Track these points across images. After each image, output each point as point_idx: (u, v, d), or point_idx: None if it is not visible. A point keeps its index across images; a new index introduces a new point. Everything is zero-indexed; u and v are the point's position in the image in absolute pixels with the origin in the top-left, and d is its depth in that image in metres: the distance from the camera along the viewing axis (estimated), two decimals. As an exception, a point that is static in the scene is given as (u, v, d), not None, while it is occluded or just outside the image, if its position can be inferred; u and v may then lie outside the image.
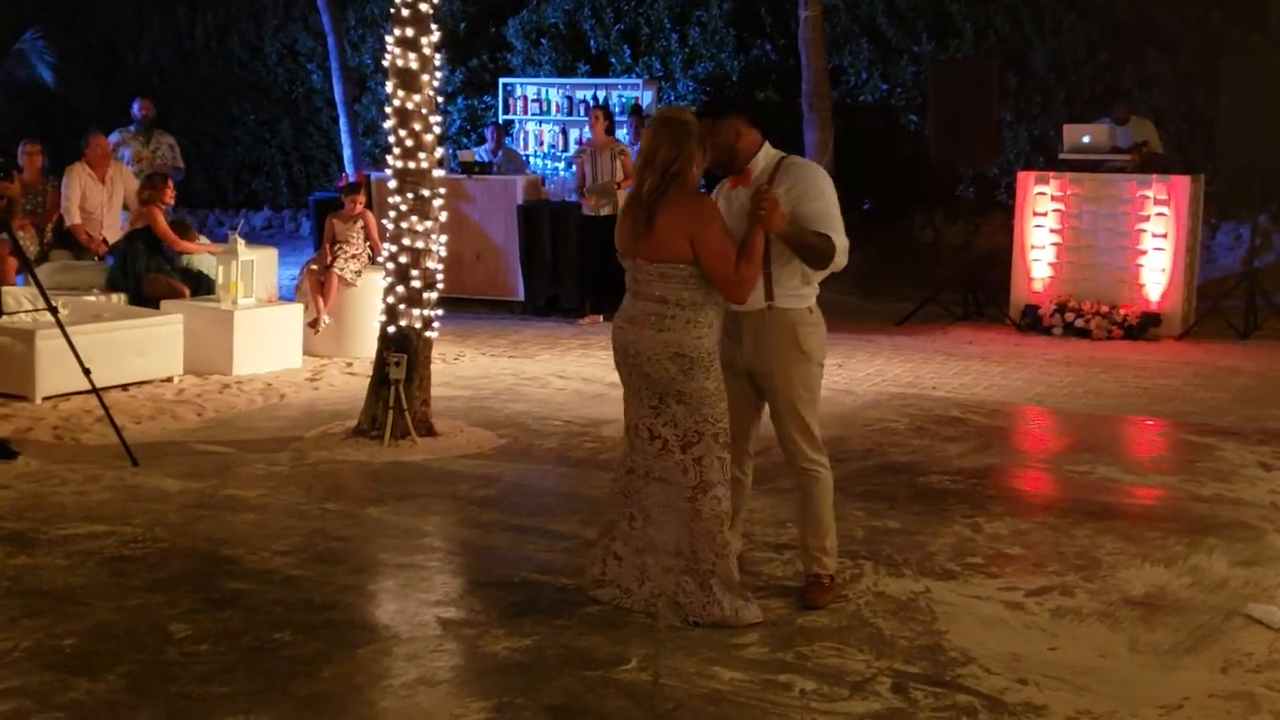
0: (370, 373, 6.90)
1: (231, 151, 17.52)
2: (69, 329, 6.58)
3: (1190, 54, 12.10)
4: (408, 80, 6.65)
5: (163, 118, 12.32)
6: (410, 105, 6.64)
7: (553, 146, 14.19)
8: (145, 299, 8.78)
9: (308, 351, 8.90)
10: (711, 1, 14.24)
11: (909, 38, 13.46)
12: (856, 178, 13.09)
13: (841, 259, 4.37)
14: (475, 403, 7.66)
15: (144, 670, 3.88)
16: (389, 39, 6.69)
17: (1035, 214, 10.64)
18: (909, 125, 13.58)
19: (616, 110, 12.54)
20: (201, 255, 9.26)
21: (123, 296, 8.85)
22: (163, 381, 8.00)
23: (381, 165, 9.61)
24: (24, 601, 4.41)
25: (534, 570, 4.80)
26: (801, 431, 4.46)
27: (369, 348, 7.61)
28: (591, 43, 14.87)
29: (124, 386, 7.75)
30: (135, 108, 11.26)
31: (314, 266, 9.26)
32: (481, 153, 12.35)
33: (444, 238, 6.92)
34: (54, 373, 7.30)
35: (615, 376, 4.54)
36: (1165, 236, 10.16)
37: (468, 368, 8.81)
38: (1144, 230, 10.23)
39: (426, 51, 6.66)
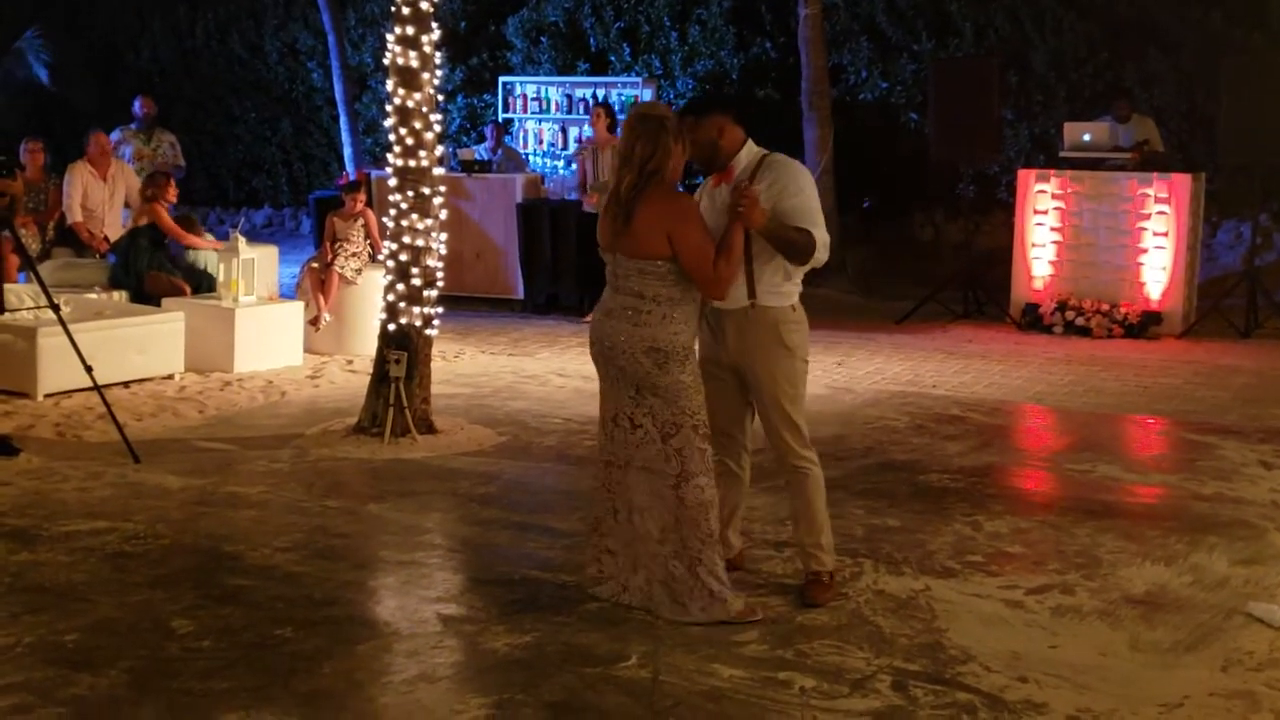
0: (371, 370, 6.91)
1: (232, 150, 17.53)
2: (71, 326, 6.58)
3: (1191, 53, 12.10)
4: (408, 78, 6.65)
5: (164, 116, 12.34)
6: (410, 103, 6.65)
7: (552, 145, 14.20)
8: (146, 297, 8.79)
9: (308, 349, 8.90)
10: (711, -1, 14.26)
11: (909, 36, 13.46)
12: (856, 176, 13.11)
13: (823, 254, 4.39)
14: (475, 400, 7.66)
15: (145, 666, 3.89)
16: (389, 37, 6.70)
17: (1036, 212, 10.64)
18: (909, 123, 13.58)
19: (617, 108, 12.54)
20: (204, 252, 9.26)
21: (124, 294, 8.86)
22: (164, 379, 8.01)
23: (382, 163, 9.62)
24: (26, 597, 4.42)
25: (534, 567, 4.80)
26: (788, 428, 4.47)
27: (369, 345, 7.62)
28: (591, 41, 14.87)
29: (125, 384, 7.76)
30: (136, 106, 11.28)
31: (315, 264, 9.27)
32: (481, 151, 12.36)
33: (444, 236, 6.92)
34: (56, 370, 7.31)
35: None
36: (1166, 235, 10.16)
37: (468, 366, 8.82)
38: (1145, 229, 10.23)
39: (427, 50, 6.66)
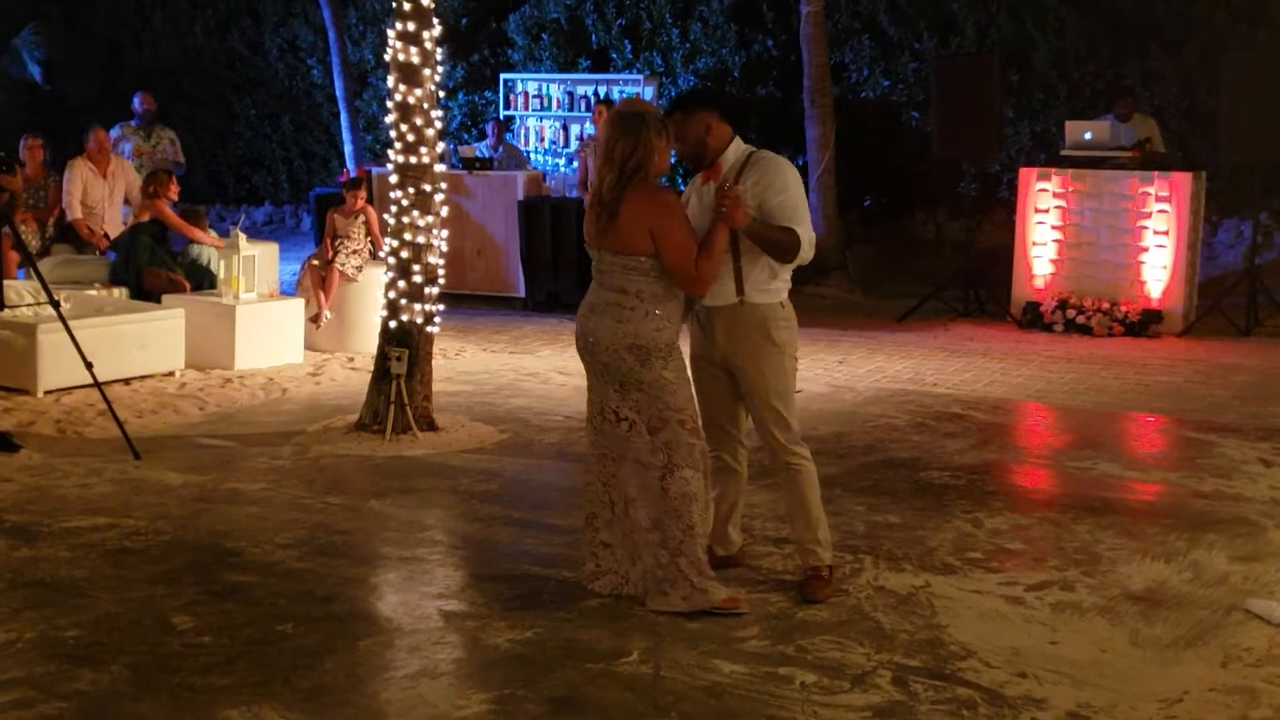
0: (372, 368, 6.91)
1: (232, 146, 17.53)
2: (71, 323, 6.59)
3: (1192, 51, 12.09)
4: (409, 75, 6.65)
5: (164, 112, 12.34)
6: (411, 100, 6.65)
7: (553, 142, 14.20)
8: (146, 293, 8.79)
9: (309, 346, 8.91)
10: (713, -3, 14.26)
11: (911, 34, 13.45)
12: (858, 174, 13.11)
13: (808, 252, 4.41)
14: (476, 398, 7.67)
15: (146, 661, 3.90)
16: (390, 34, 6.70)
17: (1037, 210, 10.64)
18: (911, 122, 13.58)
19: (618, 106, 12.53)
20: (206, 250, 9.27)
21: (124, 291, 8.86)
22: (164, 376, 8.01)
23: (382, 160, 9.63)
24: (27, 593, 4.42)
25: (535, 563, 4.81)
26: (778, 424, 4.48)
27: (370, 343, 7.62)
28: (593, 38, 14.87)
29: (126, 380, 7.76)
30: (136, 102, 11.27)
31: (315, 262, 9.27)
32: (482, 148, 12.35)
33: (445, 233, 6.93)
34: (56, 366, 7.31)
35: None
36: (1167, 233, 10.16)
37: (469, 363, 8.82)
38: (1145, 227, 10.23)
39: (428, 46, 6.66)
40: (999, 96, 10.99)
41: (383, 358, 6.70)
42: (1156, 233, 10.19)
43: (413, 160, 6.68)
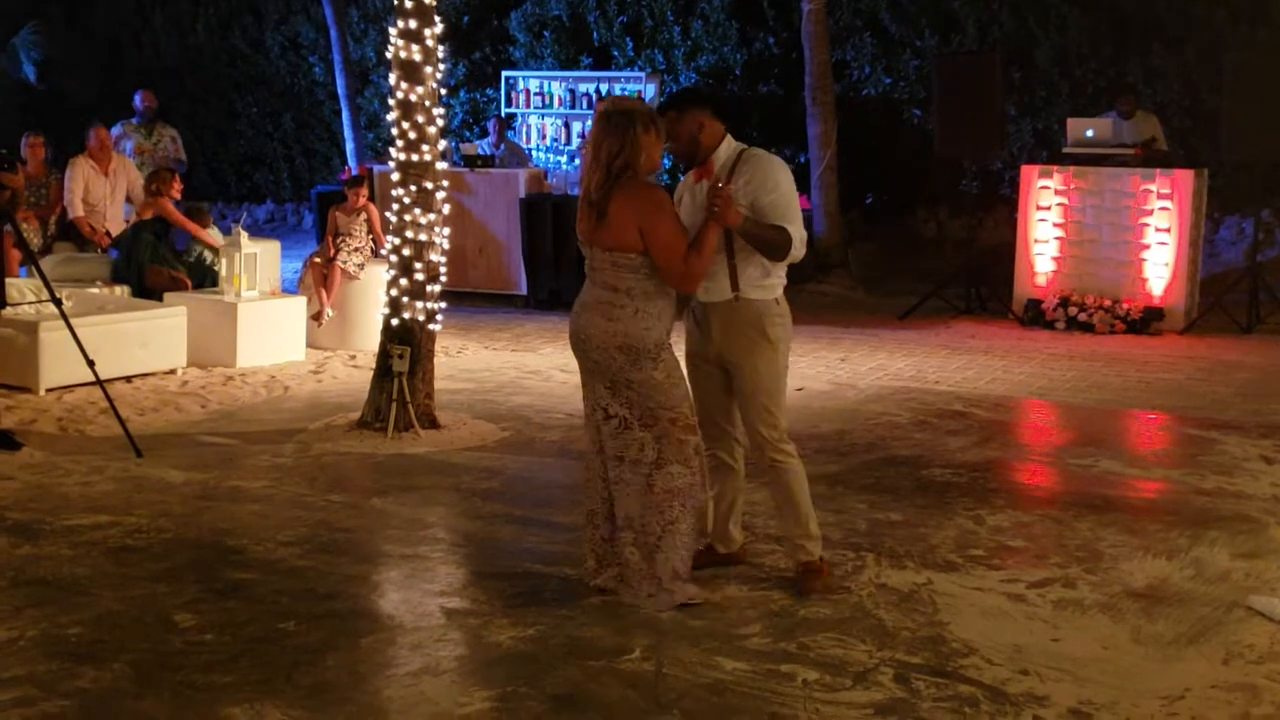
0: (373, 365, 6.91)
1: (234, 144, 17.53)
2: (73, 321, 6.59)
3: (1194, 49, 12.09)
4: (411, 73, 6.65)
5: (165, 110, 12.34)
6: (413, 98, 6.65)
7: (555, 140, 14.20)
8: (148, 291, 8.80)
9: (311, 344, 8.91)
10: (714, -6, 14.26)
11: (912, 32, 13.45)
12: (860, 172, 13.11)
13: (799, 250, 4.42)
14: (478, 396, 7.67)
15: (149, 659, 3.90)
16: (392, 31, 6.70)
17: (1038, 208, 10.63)
18: (912, 119, 13.58)
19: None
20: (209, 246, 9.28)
21: (126, 289, 8.87)
22: (166, 373, 8.02)
23: (384, 158, 9.63)
24: (29, 591, 4.43)
25: (537, 561, 4.81)
26: (765, 421, 4.49)
27: (372, 340, 7.63)
28: (594, 35, 14.87)
29: (128, 378, 7.77)
30: (138, 100, 11.28)
31: (317, 259, 9.27)
32: (484, 146, 12.36)
33: (447, 231, 6.92)
34: (58, 364, 7.32)
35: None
36: (1168, 230, 10.16)
37: (470, 361, 8.82)
38: (1147, 224, 10.22)
39: (429, 44, 6.66)
40: (1001, 94, 10.99)
41: (384, 355, 6.70)
42: (1158, 230, 10.19)
43: (414, 158, 6.68)
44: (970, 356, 9.18)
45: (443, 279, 6.85)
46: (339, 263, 9.09)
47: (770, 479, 4.60)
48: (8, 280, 7.56)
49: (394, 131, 6.73)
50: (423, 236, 6.70)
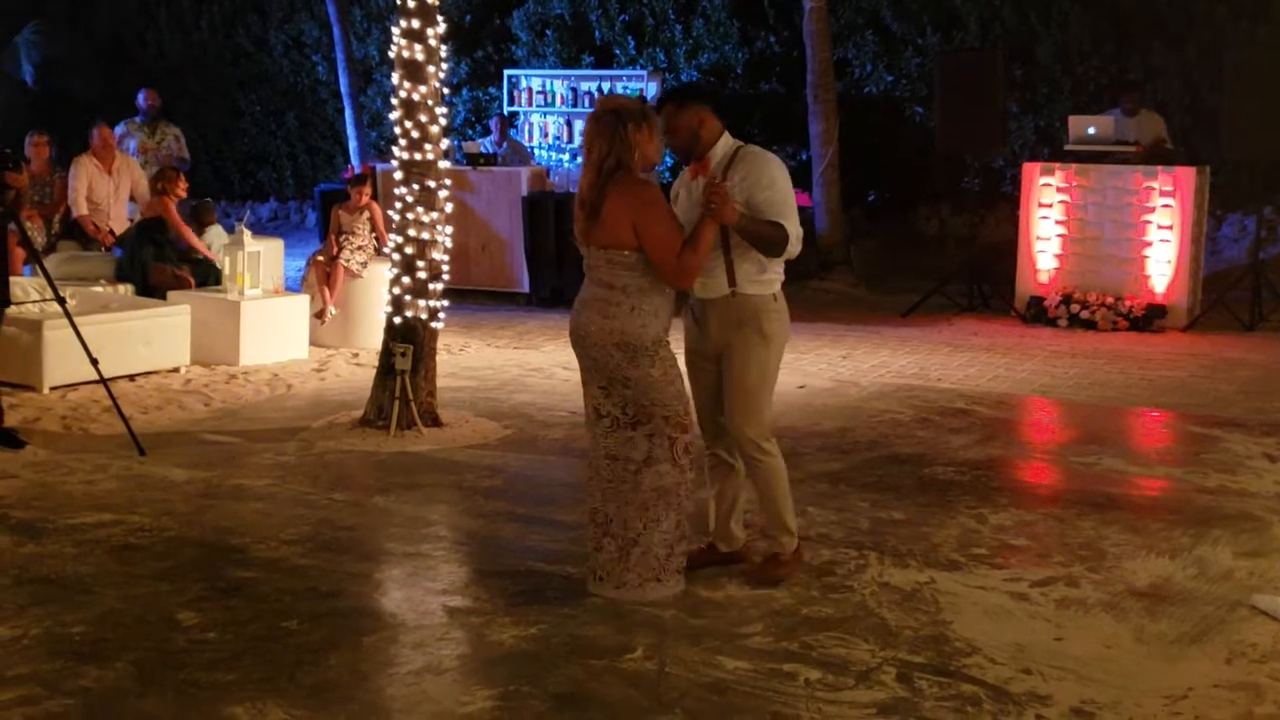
0: (376, 363, 6.91)
1: (238, 143, 17.53)
2: (76, 319, 6.60)
3: (1195, 46, 12.08)
4: (413, 72, 6.66)
5: (169, 109, 12.34)
6: (416, 97, 6.65)
7: (557, 138, 14.21)
8: (152, 289, 8.80)
9: (314, 342, 8.92)
10: (715, -7, 14.26)
11: (914, 29, 13.44)
12: (862, 170, 13.10)
13: (795, 246, 4.44)
14: (480, 393, 7.67)
15: (152, 658, 3.90)
16: (395, 31, 6.70)
17: (1041, 205, 10.63)
18: (914, 117, 13.57)
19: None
20: (216, 240, 9.28)
21: (130, 287, 8.88)
22: (169, 372, 8.02)
23: (387, 156, 9.62)
24: (33, 589, 4.43)
25: (539, 559, 4.82)
26: (750, 419, 4.50)
27: (375, 338, 7.63)
28: (596, 34, 14.87)
29: (131, 377, 7.78)
30: (141, 99, 11.29)
31: (320, 258, 9.28)
32: (486, 144, 12.36)
33: (449, 229, 6.93)
34: (62, 363, 7.32)
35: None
36: (1171, 228, 10.15)
37: (473, 359, 8.83)
38: (1149, 222, 10.22)
39: (432, 43, 6.67)
40: (1002, 91, 10.98)
41: (387, 353, 6.70)
42: (1160, 227, 10.18)
43: (417, 156, 6.69)
44: (973, 354, 9.18)
45: (445, 277, 6.85)
46: (342, 261, 9.10)
47: (748, 474, 4.63)
48: (12, 279, 7.58)
49: (397, 130, 6.74)
50: (425, 235, 6.71)
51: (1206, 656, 4.02)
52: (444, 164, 6.83)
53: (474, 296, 11.11)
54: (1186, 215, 10.12)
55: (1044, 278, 10.63)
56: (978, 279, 11.14)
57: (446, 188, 6.85)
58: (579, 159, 11.54)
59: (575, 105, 13.92)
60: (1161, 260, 10.20)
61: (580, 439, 6.59)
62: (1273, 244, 11.92)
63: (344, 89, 14.76)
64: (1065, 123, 11.08)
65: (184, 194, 9.29)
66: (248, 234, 8.52)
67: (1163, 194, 10.16)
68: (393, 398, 6.60)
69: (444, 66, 6.81)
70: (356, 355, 8.82)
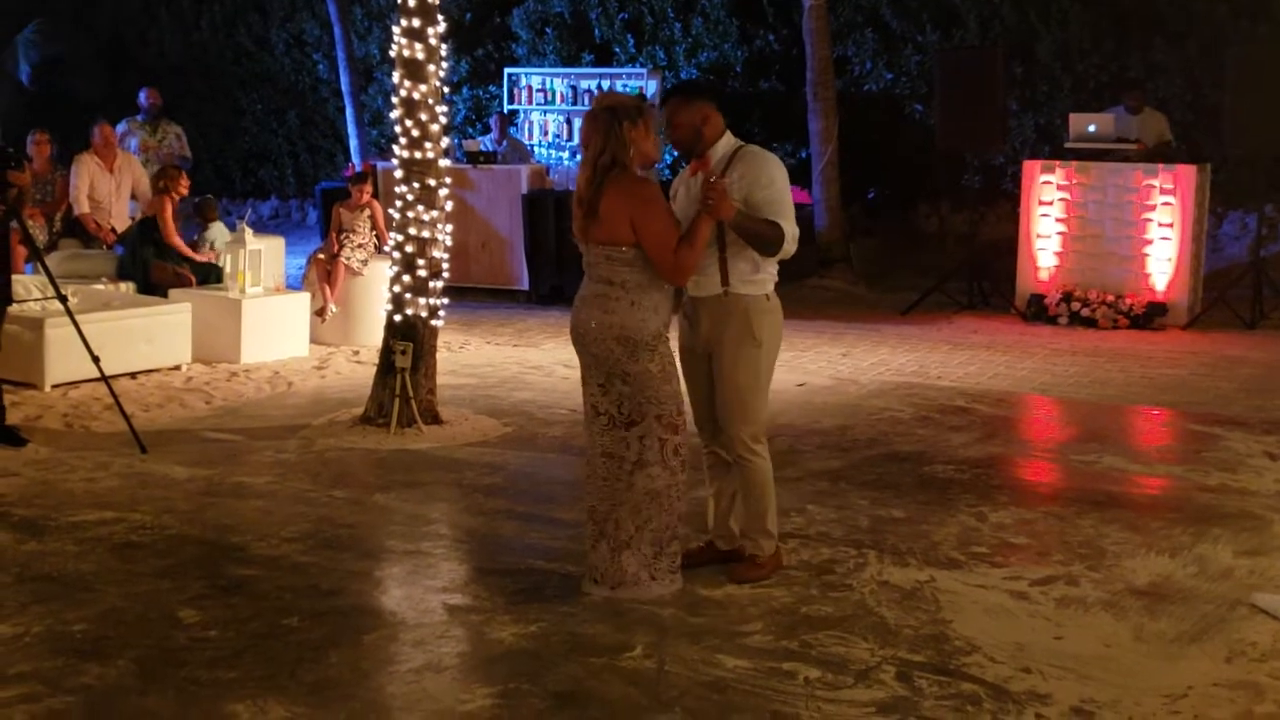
0: (376, 361, 6.92)
1: (239, 141, 17.53)
2: (78, 317, 6.60)
3: (1196, 43, 12.08)
4: (414, 70, 6.66)
5: (170, 108, 12.34)
6: (417, 95, 6.65)
7: (557, 136, 14.21)
8: (153, 287, 8.81)
9: (315, 340, 8.92)
10: (714, -9, 14.26)
11: (914, 27, 13.44)
12: (861, 167, 13.10)
13: (791, 246, 4.45)
14: (480, 391, 7.68)
15: (153, 655, 3.91)
16: (395, 29, 6.70)
17: (1041, 203, 10.63)
18: (914, 115, 13.57)
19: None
20: (219, 236, 9.28)
21: (131, 285, 8.88)
22: (171, 369, 8.03)
23: (388, 155, 9.63)
24: (34, 587, 4.44)
25: (539, 557, 4.82)
26: (742, 419, 4.51)
27: (375, 336, 7.63)
28: (596, 32, 14.88)
29: (132, 374, 7.78)
30: (142, 97, 11.29)
31: (321, 255, 9.29)
32: (486, 142, 12.37)
33: (449, 227, 6.94)
34: (63, 360, 7.33)
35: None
36: (1171, 226, 10.15)
37: (473, 356, 8.83)
38: (1150, 219, 10.22)
39: (433, 42, 6.67)
40: (1002, 89, 10.98)
41: (387, 351, 6.71)
42: (1161, 225, 10.18)
43: (417, 155, 6.69)
44: (973, 352, 9.18)
45: (445, 275, 6.86)
46: (343, 259, 9.10)
47: (735, 472, 4.64)
48: (14, 277, 7.59)
49: (397, 129, 6.74)
50: (425, 233, 6.71)
51: (1206, 655, 4.02)
52: (444, 162, 6.83)
53: (474, 294, 11.12)
54: (1187, 213, 10.12)
55: (1044, 275, 10.63)
56: (978, 277, 11.15)
57: (447, 186, 6.85)
58: (578, 157, 11.53)
59: (575, 103, 13.92)
60: (1162, 258, 10.20)
61: (580, 436, 6.59)
62: (1274, 241, 11.92)
63: (345, 87, 14.76)
64: (1065, 120, 11.08)
65: (185, 192, 9.29)
66: (249, 232, 8.53)
67: (1163, 191, 10.16)
68: (393, 395, 6.61)
69: (444, 65, 6.81)
70: (357, 353, 8.83)
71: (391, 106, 6.84)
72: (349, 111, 14.78)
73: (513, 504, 5.50)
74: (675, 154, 12.86)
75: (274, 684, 3.73)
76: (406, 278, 6.70)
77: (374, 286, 8.81)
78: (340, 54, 14.70)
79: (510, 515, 5.34)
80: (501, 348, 9.17)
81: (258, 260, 8.53)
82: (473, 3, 15.55)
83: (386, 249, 7.47)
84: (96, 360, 6.42)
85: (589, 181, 4.28)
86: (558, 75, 14.26)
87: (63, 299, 6.61)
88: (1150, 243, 10.22)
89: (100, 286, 8.68)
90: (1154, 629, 4.21)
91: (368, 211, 9.27)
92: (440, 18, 6.71)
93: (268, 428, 6.75)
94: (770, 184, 4.42)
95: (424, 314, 6.72)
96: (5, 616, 4.17)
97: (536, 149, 13.93)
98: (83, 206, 9.73)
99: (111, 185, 9.92)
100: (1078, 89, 12.66)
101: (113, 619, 4.18)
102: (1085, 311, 10.21)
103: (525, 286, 11.23)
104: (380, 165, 11.30)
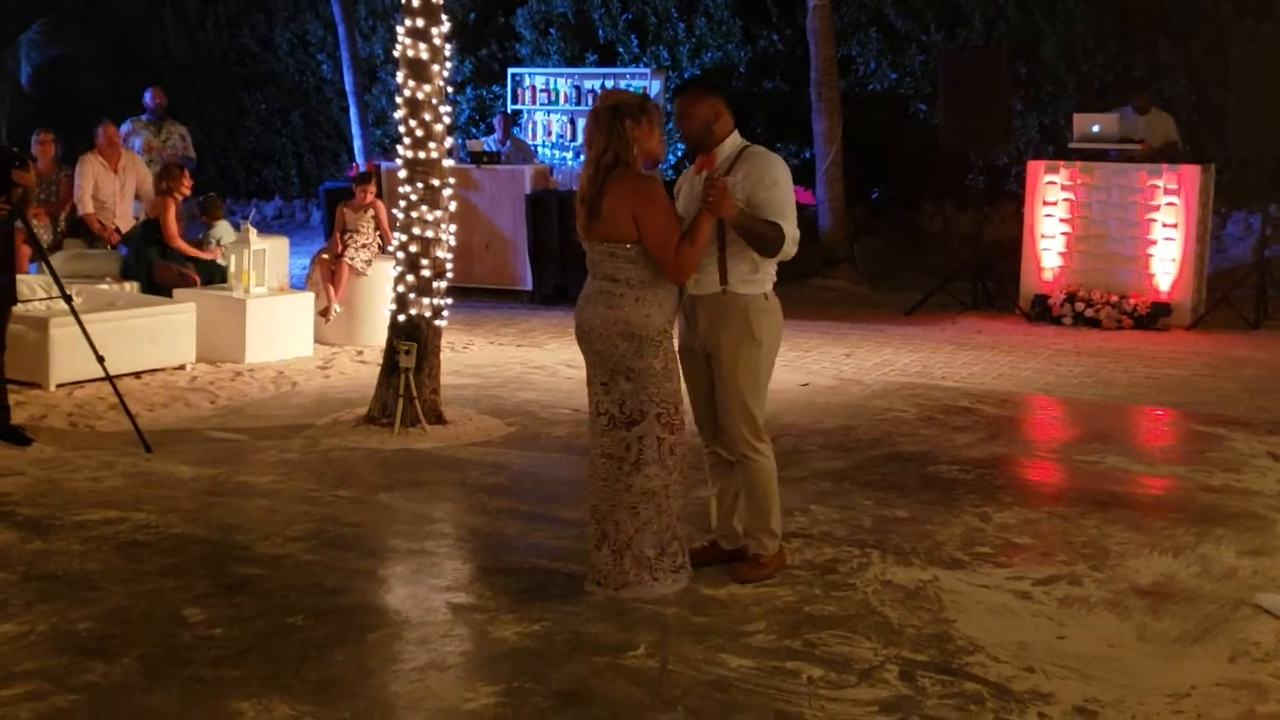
0: (380, 361, 6.93)
1: (243, 141, 17.56)
2: (83, 317, 6.61)
3: (1200, 43, 12.07)
4: (418, 71, 6.67)
5: (175, 108, 12.36)
6: (420, 95, 6.66)
7: (560, 136, 14.21)
8: (158, 287, 8.83)
9: (319, 340, 8.94)
10: (718, -9, 14.26)
11: (918, 27, 13.44)
12: (866, 167, 13.10)
13: (791, 248, 4.46)
14: (484, 391, 7.68)
15: (158, 654, 3.92)
16: (400, 29, 6.71)
17: (1045, 203, 10.62)
18: (918, 114, 13.56)
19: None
20: (224, 234, 9.30)
21: (135, 285, 8.90)
22: (175, 369, 8.04)
23: (391, 155, 9.64)
24: (39, 586, 4.45)
25: (543, 557, 4.83)
26: (743, 418, 4.51)
27: (379, 336, 7.64)
28: (599, 32, 14.88)
29: (137, 374, 7.80)
30: (147, 97, 11.31)
31: (325, 255, 9.30)
32: (490, 142, 12.37)
33: (453, 227, 6.94)
34: (68, 360, 7.35)
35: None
36: (1175, 226, 10.15)
37: (477, 356, 8.84)
38: (1154, 220, 10.21)
39: (437, 42, 6.68)
40: (1007, 89, 10.98)
41: (391, 351, 6.72)
42: (1165, 225, 10.18)
43: (421, 155, 6.70)
44: (976, 352, 9.18)
45: (449, 275, 6.87)
46: (346, 259, 9.12)
47: (738, 471, 4.64)
48: (19, 276, 7.60)
49: (401, 129, 6.75)
50: (429, 233, 6.72)
51: (1210, 655, 4.02)
52: (448, 162, 6.84)
53: (477, 294, 11.12)
54: (1191, 213, 10.11)
55: (1048, 276, 10.62)
56: (982, 277, 11.15)
57: (450, 186, 6.86)
58: (582, 157, 11.54)
59: (579, 103, 13.93)
60: (1166, 258, 10.20)
61: (583, 436, 6.58)
62: (1278, 242, 11.89)
63: (349, 87, 14.77)
64: (1069, 121, 11.08)
65: (188, 192, 9.31)
66: (253, 232, 8.55)
67: (1167, 192, 10.15)
68: (397, 395, 6.61)
69: (448, 65, 6.82)
70: (361, 353, 8.84)
71: (395, 106, 6.85)
72: (353, 112, 14.79)
73: (516, 503, 5.50)
74: (680, 153, 12.90)
75: (278, 682, 3.73)
76: (410, 278, 6.71)
77: (378, 287, 8.82)
78: (344, 54, 14.71)
79: (514, 515, 5.35)
80: (505, 348, 9.18)
81: (262, 260, 8.54)
82: (477, 3, 15.56)
83: (390, 249, 7.47)
84: (101, 360, 6.43)
85: (592, 179, 4.29)
86: (561, 75, 14.26)
87: (68, 299, 6.62)
88: (1154, 243, 10.22)
89: (105, 286, 8.70)
90: (1157, 629, 4.21)
91: (371, 212, 9.28)
92: (444, 18, 6.72)
93: (272, 427, 6.76)
94: (773, 185, 4.43)
95: (428, 314, 6.73)
96: (11, 615, 4.19)
97: (540, 149, 13.94)
98: (87, 207, 9.75)
99: (116, 185, 9.94)
100: (1082, 89, 12.65)
101: (118, 617, 4.19)
102: (1089, 312, 10.21)
103: (529, 287, 11.24)
104: (384, 165, 11.32)
